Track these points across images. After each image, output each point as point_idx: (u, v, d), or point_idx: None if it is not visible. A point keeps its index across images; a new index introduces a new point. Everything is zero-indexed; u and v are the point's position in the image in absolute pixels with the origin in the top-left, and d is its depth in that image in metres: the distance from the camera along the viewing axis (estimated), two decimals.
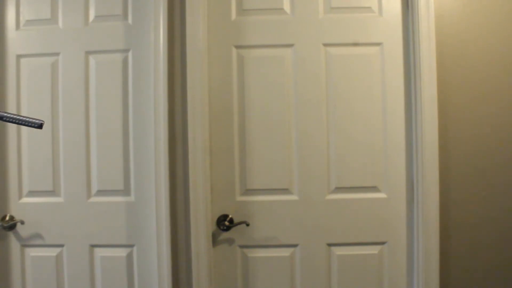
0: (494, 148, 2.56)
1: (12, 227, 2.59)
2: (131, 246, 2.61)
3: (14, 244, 2.62)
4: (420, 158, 2.53)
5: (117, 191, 2.60)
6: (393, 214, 2.61)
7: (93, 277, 2.61)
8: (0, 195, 2.61)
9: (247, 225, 2.57)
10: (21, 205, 2.62)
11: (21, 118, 1.71)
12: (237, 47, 2.62)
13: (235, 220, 2.60)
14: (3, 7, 2.61)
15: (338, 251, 2.62)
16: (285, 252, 2.63)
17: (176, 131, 2.58)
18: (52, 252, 2.62)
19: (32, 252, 2.63)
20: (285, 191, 2.61)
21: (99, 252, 2.61)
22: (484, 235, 2.56)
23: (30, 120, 1.71)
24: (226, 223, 2.59)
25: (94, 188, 2.61)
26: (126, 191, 2.60)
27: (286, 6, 2.62)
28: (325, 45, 2.61)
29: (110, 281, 2.61)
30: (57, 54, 2.59)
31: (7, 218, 2.59)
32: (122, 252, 2.61)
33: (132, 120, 2.59)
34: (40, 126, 1.72)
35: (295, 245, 2.62)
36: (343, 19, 2.61)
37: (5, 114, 1.70)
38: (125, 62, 2.59)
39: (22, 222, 2.58)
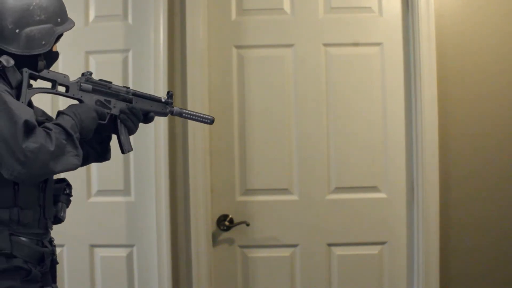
0: (494, 148, 2.56)
1: None
2: (131, 246, 2.60)
3: None
4: (420, 158, 2.53)
5: (117, 191, 2.60)
6: (393, 214, 2.61)
7: (93, 277, 2.61)
8: None
9: (247, 225, 2.57)
10: None
11: (196, 114, 1.85)
12: (237, 47, 2.62)
13: (235, 220, 2.60)
14: None
15: (338, 251, 2.62)
16: (285, 252, 2.63)
17: (176, 131, 2.58)
18: None
19: None
20: (285, 191, 2.61)
21: (99, 252, 2.61)
22: (484, 235, 2.56)
23: (204, 116, 1.86)
24: (226, 223, 2.59)
25: (94, 188, 2.60)
26: (126, 191, 2.60)
27: (286, 6, 2.62)
28: (325, 45, 2.61)
29: (110, 281, 2.60)
30: None
31: None
32: (122, 252, 2.60)
33: None
34: (211, 121, 1.87)
35: (295, 245, 2.62)
36: (343, 19, 2.61)
37: (184, 111, 1.84)
38: (125, 62, 2.59)
39: None
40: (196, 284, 2.56)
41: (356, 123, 2.60)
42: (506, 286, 2.56)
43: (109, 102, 1.71)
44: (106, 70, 2.59)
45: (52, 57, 1.72)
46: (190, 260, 2.57)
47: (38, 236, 1.69)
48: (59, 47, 1.80)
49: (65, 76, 1.66)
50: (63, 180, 1.79)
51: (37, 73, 1.65)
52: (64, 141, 1.52)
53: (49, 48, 1.67)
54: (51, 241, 1.74)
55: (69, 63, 2.58)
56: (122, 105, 1.72)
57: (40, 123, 1.54)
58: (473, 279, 2.56)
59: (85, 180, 2.59)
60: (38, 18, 1.63)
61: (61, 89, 1.65)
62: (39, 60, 1.66)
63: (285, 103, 2.60)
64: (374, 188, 2.61)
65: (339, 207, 2.60)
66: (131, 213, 2.59)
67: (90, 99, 1.68)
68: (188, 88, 2.54)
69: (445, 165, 2.54)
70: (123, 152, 1.77)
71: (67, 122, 1.58)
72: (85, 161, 1.77)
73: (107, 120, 1.70)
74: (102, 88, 1.70)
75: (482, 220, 2.56)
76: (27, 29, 1.62)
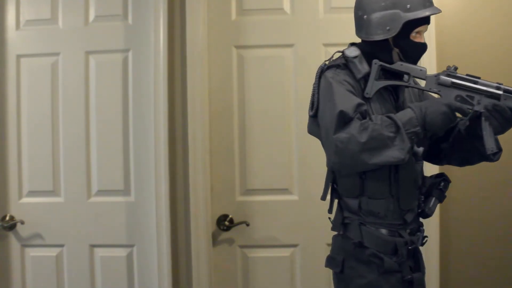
0: None
1: (12, 227, 2.59)
2: (131, 246, 2.60)
3: (14, 244, 2.62)
4: None
5: (117, 191, 2.60)
6: None
7: (93, 277, 2.61)
8: (0, 195, 2.61)
9: (247, 225, 2.57)
10: (21, 205, 2.61)
11: None
12: (237, 47, 2.62)
13: (235, 220, 2.60)
14: (3, 7, 2.61)
15: None
16: (285, 252, 2.62)
17: (176, 131, 2.58)
18: (52, 252, 2.62)
19: (32, 252, 2.63)
20: (285, 191, 2.61)
21: (99, 252, 2.61)
22: (484, 235, 2.56)
23: None
24: (226, 223, 2.59)
25: (94, 188, 2.61)
26: (126, 191, 2.60)
27: (286, 6, 2.62)
28: (325, 45, 2.61)
29: (110, 281, 2.60)
30: (57, 54, 2.59)
31: (7, 218, 2.59)
32: (122, 252, 2.60)
33: (132, 120, 2.59)
34: None
35: (295, 245, 2.62)
36: (343, 19, 2.60)
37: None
38: (125, 62, 2.59)
39: (22, 222, 2.58)
40: (196, 284, 2.56)
41: None
42: (506, 286, 2.56)
43: (472, 98, 1.64)
44: (106, 70, 2.59)
45: (412, 47, 1.70)
46: (190, 260, 2.57)
47: (394, 226, 1.68)
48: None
49: (422, 69, 1.68)
50: (441, 175, 1.78)
51: (388, 65, 1.65)
52: (392, 134, 1.53)
53: (393, 34, 1.65)
54: (414, 231, 1.73)
55: (69, 63, 2.58)
56: (487, 101, 1.62)
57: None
58: (473, 279, 2.56)
59: (85, 180, 2.59)
60: (383, 3, 1.65)
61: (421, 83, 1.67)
62: (392, 49, 1.67)
63: (285, 103, 2.60)
64: None
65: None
66: (131, 213, 2.59)
67: (449, 94, 1.65)
68: (188, 88, 2.54)
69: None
70: (486, 151, 1.65)
71: (404, 115, 1.58)
72: (465, 162, 1.80)
73: (469, 117, 1.64)
74: (465, 82, 1.65)
75: (482, 220, 2.56)
76: (372, 15, 1.66)
